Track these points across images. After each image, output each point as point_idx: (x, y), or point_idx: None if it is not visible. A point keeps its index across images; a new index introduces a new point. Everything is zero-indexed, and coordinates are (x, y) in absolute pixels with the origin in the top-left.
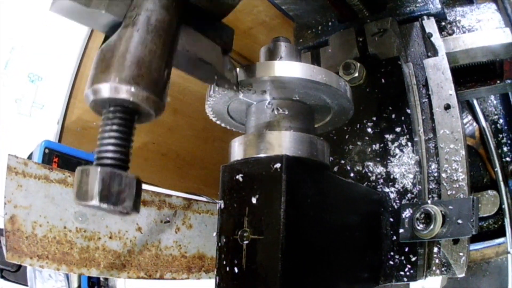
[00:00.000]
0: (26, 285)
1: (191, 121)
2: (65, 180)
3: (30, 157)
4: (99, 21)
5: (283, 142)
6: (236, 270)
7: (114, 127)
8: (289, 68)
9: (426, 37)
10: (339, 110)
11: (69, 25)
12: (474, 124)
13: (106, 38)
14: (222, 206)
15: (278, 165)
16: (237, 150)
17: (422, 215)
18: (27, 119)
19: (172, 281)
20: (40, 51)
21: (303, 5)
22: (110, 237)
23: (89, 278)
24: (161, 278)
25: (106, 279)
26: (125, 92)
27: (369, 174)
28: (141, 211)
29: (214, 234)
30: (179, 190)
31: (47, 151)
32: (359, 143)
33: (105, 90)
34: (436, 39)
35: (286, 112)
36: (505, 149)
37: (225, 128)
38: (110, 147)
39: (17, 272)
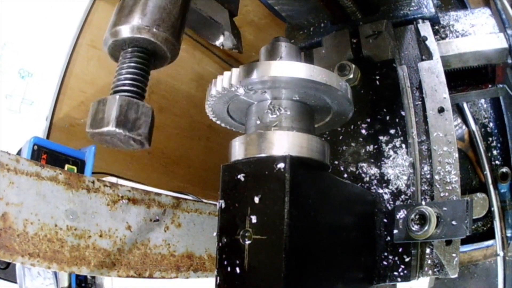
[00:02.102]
0: (16, 282)
1: (177, 120)
2: (56, 177)
3: (19, 153)
4: None
5: (286, 142)
6: (237, 270)
7: (132, 63)
8: (289, 68)
9: (421, 41)
10: (339, 111)
11: (60, 21)
12: (464, 127)
13: None
14: (223, 205)
15: (281, 165)
16: (238, 150)
17: (417, 216)
18: (17, 115)
19: (159, 280)
20: (31, 47)
21: (296, 6)
22: (100, 236)
23: (77, 276)
24: (150, 277)
25: (93, 277)
26: (147, 32)
27: (363, 175)
28: (130, 210)
29: (214, 234)
30: (164, 188)
31: (36, 147)
32: (353, 144)
33: (127, 30)
34: (431, 42)
35: (288, 113)
36: (494, 152)
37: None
38: (128, 80)
39: (6, 270)
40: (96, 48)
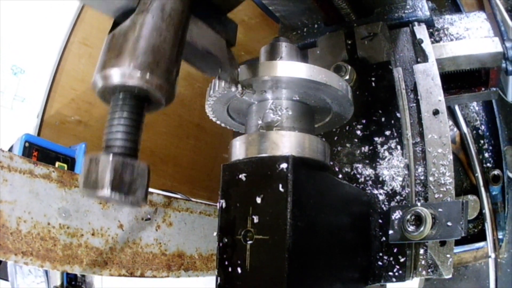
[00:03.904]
0: (7, 280)
1: (166, 118)
2: (49, 175)
3: (10, 150)
4: (111, 5)
5: (288, 143)
6: (239, 270)
7: (125, 114)
8: (291, 68)
9: (417, 43)
10: (339, 111)
11: (52, 18)
12: (455, 129)
13: (115, 24)
14: (224, 205)
15: (284, 165)
16: (239, 150)
17: (413, 217)
18: (8, 112)
19: (148, 280)
20: (24, 43)
21: (291, 7)
22: (93, 234)
23: (67, 274)
24: (142, 276)
25: (83, 276)
26: (140, 79)
27: (358, 176)
28: (122, 208)
29: (215, 234)
30: (152, 187)
31: (27, 144)
32: (348, 145)
33: (118, 76)
34: (427, 45)
35: (290, 113)
36: (486, 155)
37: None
38: (120, 135)
39: None
40: (87, 45)
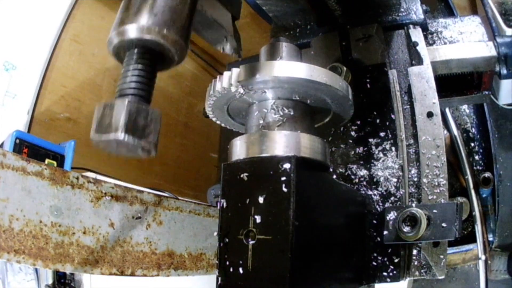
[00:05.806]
0: None
1: None
2: (41, 172)
3: (1, 146)
4: None
5: (290, 143)
6: (240, 270)
7: (139, 66)
8: (291, 68)
9: (412, 46)
10: (338, 112)
11: (44, 15)
12: (445, 132)
13: None
14: (225, 205)
15: (287, 166)
16: (240, 149)
17: (408, 218)
18: (0, 108)
19: (134, 280)
20: (16, 39)
21: (284, 7)
22: (84, 232)
23: (57, 272)
24: (132, 274)
25: (72, 274)
26: (157, 33)
27: (352, 176)
28: (113, 206)
29: (215, 233)
30: (140, 185)
31: (18, 141)
32: (342, 145)
33: (135, 30)
34: (422, 48)
35: (292, 113)
36: (476, 157)
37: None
38: (134, 84)
39: None
40: (78, 42)
